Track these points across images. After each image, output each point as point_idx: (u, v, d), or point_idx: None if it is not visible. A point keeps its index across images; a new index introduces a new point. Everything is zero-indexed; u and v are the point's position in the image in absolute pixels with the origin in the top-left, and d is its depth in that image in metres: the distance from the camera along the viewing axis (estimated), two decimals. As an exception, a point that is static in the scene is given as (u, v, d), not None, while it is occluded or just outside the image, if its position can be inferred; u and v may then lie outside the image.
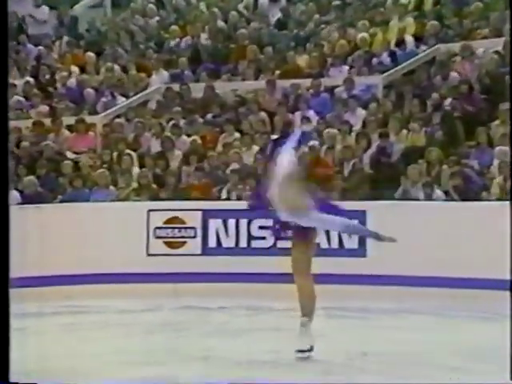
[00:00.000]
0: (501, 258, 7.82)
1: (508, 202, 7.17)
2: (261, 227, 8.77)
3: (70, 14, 15.20)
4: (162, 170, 10.75)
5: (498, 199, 8.91)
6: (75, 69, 13.41)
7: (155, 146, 11.36)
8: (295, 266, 5.34)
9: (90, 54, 13.62)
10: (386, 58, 12.00)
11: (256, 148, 10.77)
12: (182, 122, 11.76)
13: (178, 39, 13.94)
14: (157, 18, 14.80)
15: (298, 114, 11.30)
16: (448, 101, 10.71)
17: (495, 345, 5.64)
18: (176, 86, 12.44)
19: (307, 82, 11.72)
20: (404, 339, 5.89)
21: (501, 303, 7.46)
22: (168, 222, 9.10)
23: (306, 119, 11.02)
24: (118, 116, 12.28)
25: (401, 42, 12.14)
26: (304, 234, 5.32)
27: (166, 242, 9.06)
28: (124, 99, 12.69)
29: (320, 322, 6.82)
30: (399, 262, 8.14)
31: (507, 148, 9.59)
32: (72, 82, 13.16)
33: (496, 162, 9.51)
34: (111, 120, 12.14)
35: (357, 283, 8.06)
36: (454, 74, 11.21)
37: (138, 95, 12.66)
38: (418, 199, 9.11)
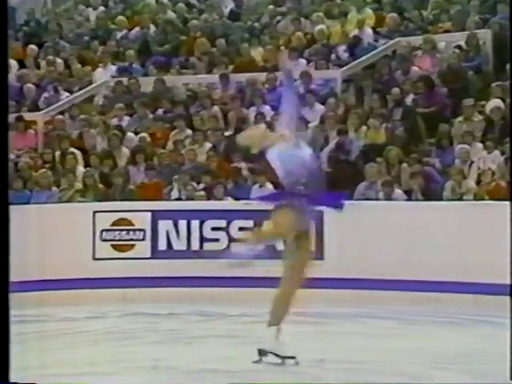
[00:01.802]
0: (464, 260, 7.96)
1: (508, 203, 7.27)
2: (213, 228, 8.78)
3: (6, 4, 15.01)
4: (110, 169, 10.69)
5: (450, 200, 9.04)
6: (14, 63, 13.25)
7: (102, 144, 11.28)
8: (292, 270, 5.21)
9: (30, 47, 13.47)
10: (344, 51, 12.09)
11: (208, 145, 10.78)
12: (130, 118, 11.71)
13: (125, 30, 13.87)
14: (102, 9, 14.71)
15: (252, 110, 11.33)
16: (409, 96, 10.84)
17: (458, 350, 5.74)
18: (124, 80, 12.37)
19: (262, 75, 11.75)
20: (363, 345, 5.94)
21: (463, 307, 7.61)
22: (115, 223, 9.04)
23: (260, 115, 11.06)
24: (62, 112, 12.17)
25: (360, 35, 12.25)
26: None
27: (113, 245, 9.01)
28: (68, 94, 12.58)
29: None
30: (358, 264, 8.20)
31: (468, 146, 9.74)
32: (10, 76, 13.00)
33: (458, 161, 9.65)
34: (53, 117, 12.03)
35: (313, 287, 8.08)
36: (415, 69, 11.34)
37: (83, 90, 12.56)
38: (377, 199, 9.20)
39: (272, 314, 5.22)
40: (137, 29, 13.79)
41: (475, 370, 5.12)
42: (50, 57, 13.20)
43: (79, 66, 13.07)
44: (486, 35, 11.41)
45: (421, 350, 5.72)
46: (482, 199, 9.01)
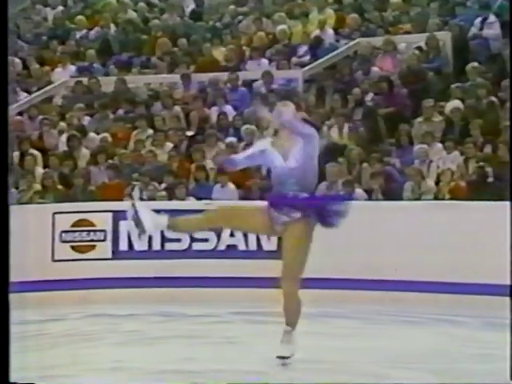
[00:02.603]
0: (427, 259, 7.99)
1: (508, 203, 7.31)
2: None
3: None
4: (70, 170, 10.58)
5: (410, 199, 9.10)
6: (-29, 62, 13.06)
7: (62, 145, 11.17)
8: (290, 268, 5.21)
9: (-12, 47, 13.29)
10: (306, 51, 12.12)
11: (170, 145, 10.72)
12: (90, 118, 11.61)
13: (85, 30, 13.75)
14: (61, 8, 14.57)
15: (214, 110, 11.30)
16: (370, 96, 10.89)
17: (420, 349, 5.75)
18: (84, 80, 12.26)
19: (224, 75, 11.72)
20: (325, 345, 5.92)
21: (426, 306, 7.64)
22: (75, 224, 8.92)
23: (223, 114, 11.04)
24: (20, 113, 12.02)
25: (321, 35, 12.28)
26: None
27: (73, 247, 8.90)
28: (26, 95, 12.43)
29: (236, 328, 6.86)
30: (320, 264, 8.18)
31: (426, 146, 9.81)
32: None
33: (417, 161, 9.71)
34: (12, 118, 11.86)
35: (276, 287, 8.08)
36: (375, 69, 11.40)
37: (42, 90, 12.43)
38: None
39: (285, 315, 5.21)
40: (97, 28, 13.68)
41: (437, 370, 5.14)
42: (8, 57, 13.02)
43: (38, 66, 12.93)
44: (445, 37, 11.52)
45: (383, 350, 5.72)
46: (442, 199, 9.07)
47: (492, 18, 11.42)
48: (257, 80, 11.65)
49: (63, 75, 12.70)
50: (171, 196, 9.62)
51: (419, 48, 11.45)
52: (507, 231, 7.57)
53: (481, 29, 11.43)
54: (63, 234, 8.91)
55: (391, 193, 9.36)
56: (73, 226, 8.92)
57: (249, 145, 10.28)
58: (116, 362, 5.37)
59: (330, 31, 12.30)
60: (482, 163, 9.22)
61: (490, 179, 9.12)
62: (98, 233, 8.88)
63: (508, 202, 7.35)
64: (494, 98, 10.21)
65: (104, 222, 8.85)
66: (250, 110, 11.12)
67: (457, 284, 7.84)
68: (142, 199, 9.76)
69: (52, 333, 6.92)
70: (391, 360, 5.39)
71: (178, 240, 8.67)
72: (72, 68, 12.85)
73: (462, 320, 7.07)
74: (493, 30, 11.35)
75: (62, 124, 11.49)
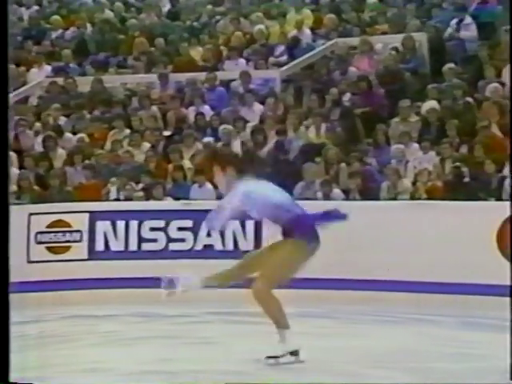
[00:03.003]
0: (404, 259, 8.00)
1: (508, 202, 7.31)
2: (152, 229, 8.67)
3: None
4: (45, 170, 10.50)
5: (386, 199, 9.12)
6: None
7: (38, 146, 11.07)
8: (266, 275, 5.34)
9: (-40, 48, 13.15)
10: (283, 51, 12.12)
11: (147, 145, 10.67)
12: (67, 119, 11.52)
13: (60, 30, 13.66)
14: (36, 8, 14.46)
15: (192, 109, 11.26)
16: (347, 96, 10.90)
17: (402, 349, 5.74)
18: (59, 80, 12.17)
19: (202, 75, 11.69)
20: (306, 345, 5.89)
21: (404, 306, 7.64)
22: (51, 225, 8.85)
23: (200, 115, 11.00)
24: (-5, 113, 11.90)
25: (299, 35, 12.29)
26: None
27: (48, 248, 8.82)
28: (1, 95, 12.32)
29: (213, 328, 6.82)
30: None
31: (403, 146, 9.84)
32: None
33: (393, 161, 9.74)
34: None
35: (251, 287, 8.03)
36: (353, 69, 11.42)
37: (17, 91, 12.32)
38: (315, 199, 9.21)
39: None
40: (73, 28, 13.59)
41: (418, 369, 5.13)
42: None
43: (13, 66, 12.80)
44: (421, 38, 11.56)
45: (364, 350, 5.70)
46: (419, 199, 9.09)
47: (468, 19, 11.48)
48: (234, 80, 11.62)
49: (39, 75, 12.59)
50: (148, 196, 9.57)
51: (396, 48, 11.49)
52: (483, 231, 7.61)
53: (457, 30, 11.49)
54: (39, 235, 8.83)
55: (368, 193, 9.37)
56: (48, 226, 8.84)
57: (226, 145, 10.28)
58: (94, 362, 5.32)
59: (308, 31, 12.31)
60: (458, 163, 9.26)
61: (466, 179, 9.16)
62: (73, 233, 8.81)
63: (507, 202, 7.35)
64: (470, 99, 10.26)
65: (80, 222, 8.79)
66: (228, 110, 11.10)
67: (434, 284, 7.86)
68: (118, 199, 9.71)
69: (28, 334, 6.84)
70: (372, 360, 5.37)
71: (155, 240, 8.63)
72: (48, 68, 12.74)
73: (442, 320, 7.08)
74: (469, 31, 11.41)
75: (38, 124, 11.39)
